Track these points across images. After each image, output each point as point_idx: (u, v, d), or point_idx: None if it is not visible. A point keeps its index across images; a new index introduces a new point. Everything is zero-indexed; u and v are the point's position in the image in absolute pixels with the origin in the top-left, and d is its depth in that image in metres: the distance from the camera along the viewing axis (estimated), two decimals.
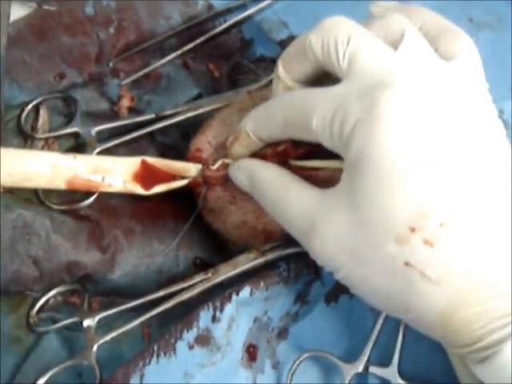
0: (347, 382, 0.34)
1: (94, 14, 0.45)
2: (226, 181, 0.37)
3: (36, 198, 0.38)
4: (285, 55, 0.34)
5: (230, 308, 0.35)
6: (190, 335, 0.34)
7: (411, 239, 0.27)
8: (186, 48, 0.46)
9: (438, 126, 0.28)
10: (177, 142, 0.43)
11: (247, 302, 0.36)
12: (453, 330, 0.27)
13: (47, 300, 0.37)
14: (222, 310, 0.35)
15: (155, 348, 0.34)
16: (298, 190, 0.32)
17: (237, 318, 0.36)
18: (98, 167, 0.37)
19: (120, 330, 0.35)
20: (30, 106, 0.41)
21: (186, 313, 0.35)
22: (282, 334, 0.37)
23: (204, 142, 0.39)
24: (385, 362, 0.35)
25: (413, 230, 0.27)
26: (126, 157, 0.38)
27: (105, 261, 0.38)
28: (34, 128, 0.41)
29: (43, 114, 0.42)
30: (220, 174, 0.37)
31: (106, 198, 0.39)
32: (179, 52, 0.45)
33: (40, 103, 0.42)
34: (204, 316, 0.35)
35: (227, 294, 0.35)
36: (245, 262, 0.36)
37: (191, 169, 0.38)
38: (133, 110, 0.44)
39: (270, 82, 0.36)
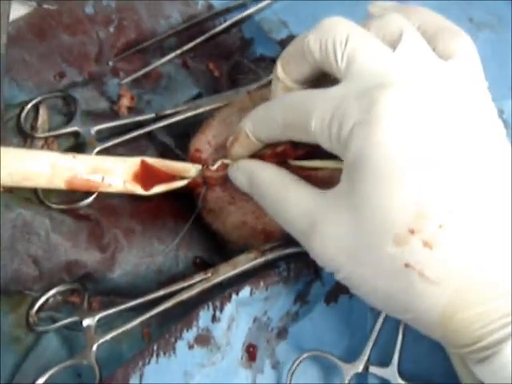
0: (347, 381, 0.34)
1: (94, 13, 0.45)
2: (226, 181, 0.37)
3: (36, 197, 0.38)
4: (283, 56, 0.34)
5: (229, 308, 0.35)
6: (189, 335, 0.34)
7: (410, 241, 0.27)
8: (185, 47, 0.46)
9: (437, 127, 0.28)
10: (177, 141, 0.43)
11: (247, 301, 0.36)
12: (453, 330, 0.27)
13: (47, 299, 0.37)
14: (221, 310, 0.35)
15: (155, 348, 0.34)
16: (298, 190, 0.32)
17: (236, 318, 0.36)
18: (97, 167, 0.37)
19: (120, 330, 0.35)
20: (29, 105, 0.41)
21: (185, 312, 0.35)
22: (282, 333, 0.37)
23: (204, 142, 0.39)
24: (385, 362, 0.35)
25: (412, 231, 0.27)
26: (125, 157, 0.38)
27: (105, 260, 0.38)
28: (33, 127, 0.41)
29: (43, 113, 0.42)
30: (219, 174, 0.37)
31: (105, 197, 0.39)
32: (179, 51, 0.45)
33: (40, 102, 0.42)
34: (204, 316, 0.35)
35: (227, 293, 0.35)
36: (244, 262, 0.36)
37: (191, 169, 0.38)
38: (132, 110, 0.44)
39: (270, 81, 0.36)
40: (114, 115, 0.43)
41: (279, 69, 0.34)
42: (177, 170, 0.38)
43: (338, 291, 0.37)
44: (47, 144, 0.41)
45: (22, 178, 0.36)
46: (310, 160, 0.35)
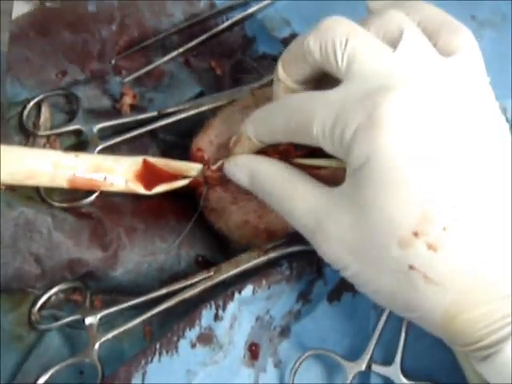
0: (350, 380, 0.34)
1: (97, 12, 0.44)
2: (227, 181, 0.37)
3: (38, 195, 0.38)
4: (284, 57, 0.33)
5: (232, 306, 0.35)
6: (192, 333, 0.34)
7: (415, 243, 0.27)
8: (188, 46, 0.45)
9: (440, 129, 0.27)
10: (179, 139, 0.43)
11: (249, 300, 0.36)
12: (456, 329, 0.27)
13: (49, 297, 0.37)
14: (224, 309, 0.35)
15: (157, 346, 0.34)
16: (305, 185, 0.31)
17: (239, 317, 0.35)
18: (99, 166, 0.37)
19: (122, 328, 0.35)
20: (31, 103, 0.41)
21: (188, 311, 0.35)
22: (284, 332, 0.37)
23: (206, 141, 0.39)
24: (387, 361, 0.35)
25: (416, 234, 0.27)
26: (127, 156, 0.38)
27: (107, 258, 0.38)
28: (35, 125, 0.41)
29: (45, 112, 0.42)
30: (220, 174, 0.37)
31: (107, 195, 0.39)
32: (181, 50, 0.45)
33: (42, 100, 0.42)
34: (206, 314, 0.35)
35: (229, 292, 0.35)
36: (247, 261, 0.36)
37: (192, 169, 0.38)
38: (135, 108, 0.44)
39: (272, 80, 0.36)
40: (117, 113, 0.43)
41: (280, 69, 0.33)
42: (179, 169, 0.38)
43: (340, 290, 0.37)
44: (49, 142, 0.41)
45: (24, 177, 0.36)
46: (313, 158, 0.35)
